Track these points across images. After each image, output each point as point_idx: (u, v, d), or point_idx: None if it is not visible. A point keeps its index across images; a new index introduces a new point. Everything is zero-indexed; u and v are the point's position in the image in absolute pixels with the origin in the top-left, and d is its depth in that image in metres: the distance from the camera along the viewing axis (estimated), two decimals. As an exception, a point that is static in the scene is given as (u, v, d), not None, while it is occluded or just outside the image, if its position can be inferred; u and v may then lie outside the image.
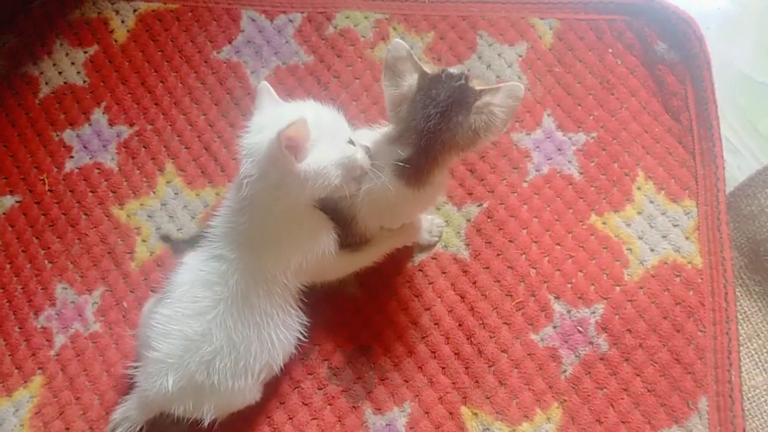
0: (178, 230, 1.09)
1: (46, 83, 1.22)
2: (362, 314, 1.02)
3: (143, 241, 1.09)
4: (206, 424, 0.87)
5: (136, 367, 0.89)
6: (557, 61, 1.15)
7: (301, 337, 0.92)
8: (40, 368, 1.03)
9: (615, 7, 1.17)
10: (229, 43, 1.22)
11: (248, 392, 0.89)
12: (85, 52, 1.24)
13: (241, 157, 0.81)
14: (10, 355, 1.04)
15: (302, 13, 1.24)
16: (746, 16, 1.19)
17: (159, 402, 0.86)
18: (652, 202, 1.04)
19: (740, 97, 1.12)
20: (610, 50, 1.15)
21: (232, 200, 0.86)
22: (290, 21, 1.23)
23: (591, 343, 0.97)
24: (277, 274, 0.85)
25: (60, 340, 1.04)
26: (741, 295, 0.99)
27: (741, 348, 0.96)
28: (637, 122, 1.10)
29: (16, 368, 1.03)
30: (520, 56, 1.15)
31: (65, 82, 1.21)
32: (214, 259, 0.86)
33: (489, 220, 1.05)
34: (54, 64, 1.23)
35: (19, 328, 1.05)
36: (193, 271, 0.87)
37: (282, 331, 0.88)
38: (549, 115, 1.11)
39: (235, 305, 0.84)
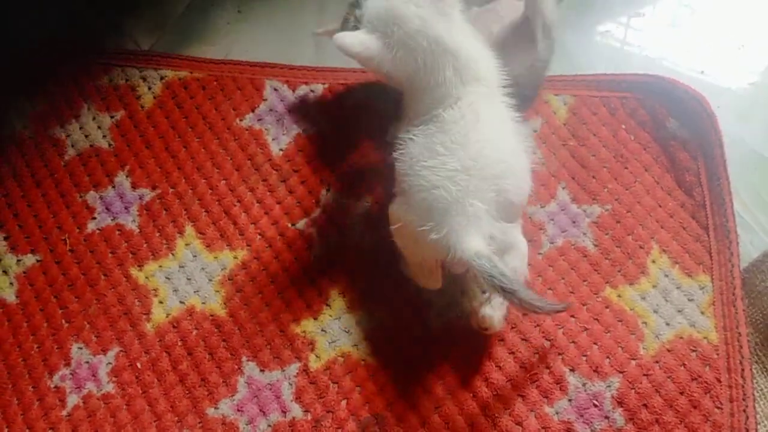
0: (195, 292, 1.10)
1: (73, 146, 1.25)
2: (376, 381, 1.01)
3: (160, 302, 1.10)
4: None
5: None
6: (571, 135, 1.18)
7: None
8: (51, 429, 1.02)
9: (627, 86, 1.20)
10: (252, 111, 1.26)
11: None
12: (112, 117, 1.28)
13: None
14: (22, 414, 1.03)
15: (324, 84, 1.28)
16: (756, 95, 1.22)
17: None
18: (666, 275, 1.05)
19: (752, 175, 1.14)
20: (623, 126, 1.17)
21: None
22: (312, 91, 1.27)
23: (607, 417, 0.96)
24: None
25: (72, 400, 1.04)
26: (757, 373, 0.99)
27: (759, 427, 0.95)
28: (651, 196, 1.11)
29: (28, 428, 1.02)
30: (535, 131, 1.18)
31: (91, 146, 1.25)
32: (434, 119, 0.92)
33: (504, 290, 1.05)
34: (81, 128, 1.27)
35: (33, 387, 1.05)
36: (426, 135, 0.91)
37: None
38: (563, 188, 1.13)
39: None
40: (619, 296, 1.04)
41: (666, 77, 1.19)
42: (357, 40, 0.92)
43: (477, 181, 0.87)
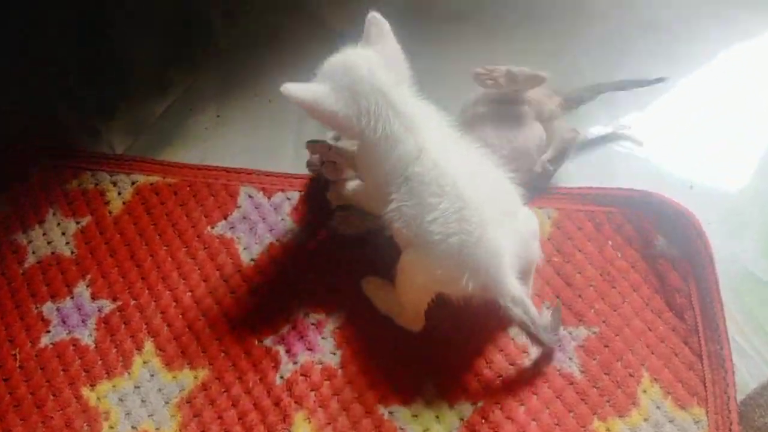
0: (149, 416, 1.01)
1: (33, 252, 1.19)
2: None
3: (111, 427, 1.01)
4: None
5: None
6: (556, 251, 1.12)
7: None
8: None
9: (612, 200, 1.16)
10: (225, 218, 1.21)
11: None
12: (78, 223, 1.22)
13: None
14: None
15: (300, 191, 1.23)
16: (749, 210, 1.17)
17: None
18: (658, 407, 0.97)
19: (747, 296, 1.07)
20: (609, 242, 1.12)
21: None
22: (288, 199, 1.23)
23: None
24: None
25: None
26: None
27: None
28: (640, 318, 1.05)
29: None
30: (518, 245, 1.13)
31: (53, 253, 1.19)
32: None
33: (484, 421, 0.97)
34: (44, 234, 1.21)
35: None
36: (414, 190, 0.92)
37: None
38: (548, 308, 1.07)
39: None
40: (608, 430, 0.96)
41: (653, 193, 1.14)
42: (305, 86, 0.93)
43: (482, 207, 0.89)
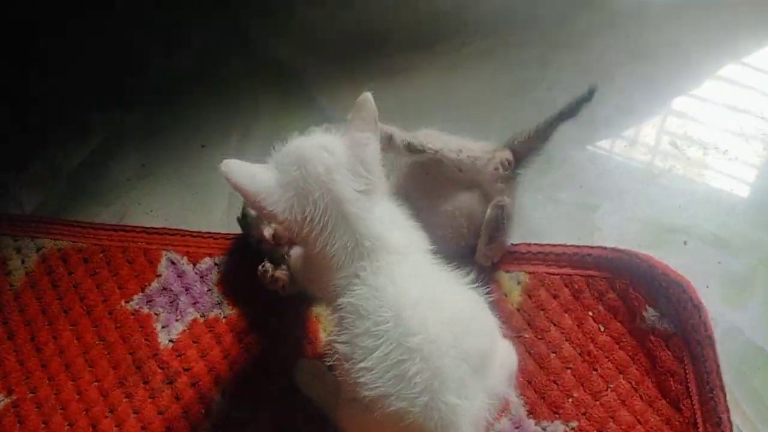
0: None
1: None
2: None
3: None
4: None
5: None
6: (527, 325, 0.95)
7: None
8: None
9: (593, 261, 0.98)
10: (142, 290, 1.04)
11: None
12: (-28, 299, 1.06)
13: None
14: None
15: (232, 256, 1.06)
16: (752, 271, 0.99)
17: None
18: None
19: (753, 376, 0.90)
20: (590, 313, 0.95)
21: None
22: (216, 264, 1.06)
23: None
24: None
25: None
26: None
27: None
28: (627, 409, 0.88)
29: None
30: (482, 319, 0.95)
31: (-60, 337, 1.02)
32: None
33: None
34: (-67, 313, 1.05)
35: None
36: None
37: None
38: (518, 397, 0.90)
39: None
40: None
41: (640, 253, 0.97)
42: (247, 170, 0.71)
43: (436, 360, 0.67)
